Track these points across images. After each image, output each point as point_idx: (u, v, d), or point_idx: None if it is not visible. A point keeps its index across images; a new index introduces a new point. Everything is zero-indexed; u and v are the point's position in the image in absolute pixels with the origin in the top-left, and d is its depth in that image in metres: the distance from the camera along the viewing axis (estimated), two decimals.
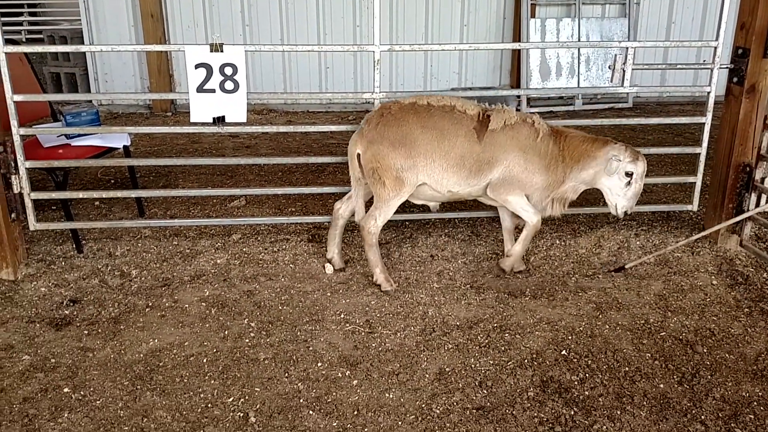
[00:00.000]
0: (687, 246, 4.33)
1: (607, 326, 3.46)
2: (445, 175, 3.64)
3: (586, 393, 2.92)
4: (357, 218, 3.85)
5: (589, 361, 3.15)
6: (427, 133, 3.56)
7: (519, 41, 8.45)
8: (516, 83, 8.81)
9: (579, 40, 8.55)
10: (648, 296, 3.77)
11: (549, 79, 8.61)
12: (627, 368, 3.10)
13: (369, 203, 3.80)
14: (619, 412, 2.80)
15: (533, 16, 8.51)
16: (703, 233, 4.18)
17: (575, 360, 3.16)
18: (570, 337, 3.35)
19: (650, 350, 3.25)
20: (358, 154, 3.65)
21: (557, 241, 4.42)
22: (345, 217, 4.01)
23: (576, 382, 2.99)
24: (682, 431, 2.71)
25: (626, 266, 4.04)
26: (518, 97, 8.70)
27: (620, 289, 3.84)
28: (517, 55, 8.73)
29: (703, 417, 2.78)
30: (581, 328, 3.43)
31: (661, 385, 2.98)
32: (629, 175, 3.55)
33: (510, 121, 3.62)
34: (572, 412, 2.80)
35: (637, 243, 4.38)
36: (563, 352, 3.22)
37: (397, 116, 3.61)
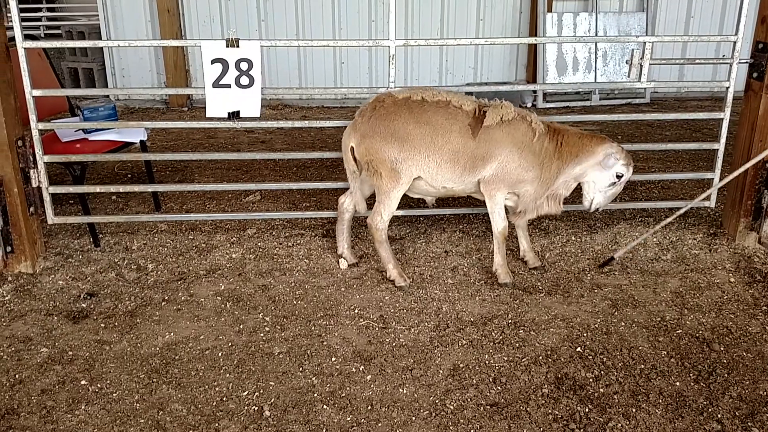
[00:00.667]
0: (704, 243, 4.29)
1: (623, 323, 3.44)
2: (439, 170, 3.62)
3: (601, 390, 2.91)
4: (359, 211, 3.93)
5: (605, 359, 3.13)
6: (420, 129, 3.55)
7: (535, 36, 8.39)
8: (532, 78, 8.76)
9: (596, 35, 8.48)
10: (664, 293, 3.74)
11: (565, 74, 8.56)
12: (643, 366, 3.08)
13: (372, 199, 3.79)
14: (634, 410, 2.79)
15: (550, 10, 8.45)
16: (676, 214, 4.10)
17: (590, 357, 3.14)
18: (585, 334, 3.33)
19: (666, 348, 3.23)
20: (352, 148, 3.67)
21: (573, 238, 4.40)
22: (350, 211, 4.02)
23: (591, 380, 2.98)
24: (698, 430, 2.69)
25: (615, 256, 4.00)
26: (534, 92, 8.66)
27: (636, 286, 3.81)
28: (533, 49, 8.68)
29: (719, 415, 2.76)
30: (597, 325, 3.41)
31: (677, 383, 2.96)
32: (619, 176, 3.59)
33: (507, 117, 3.58)
34: (587, 410, 2.78)
35: (654, 240, 4.34)
36: (578, 349, 3.21)
37: (390, 110, 3.59)
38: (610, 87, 7.35)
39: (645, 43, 4.13)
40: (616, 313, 3.53)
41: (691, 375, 3.02)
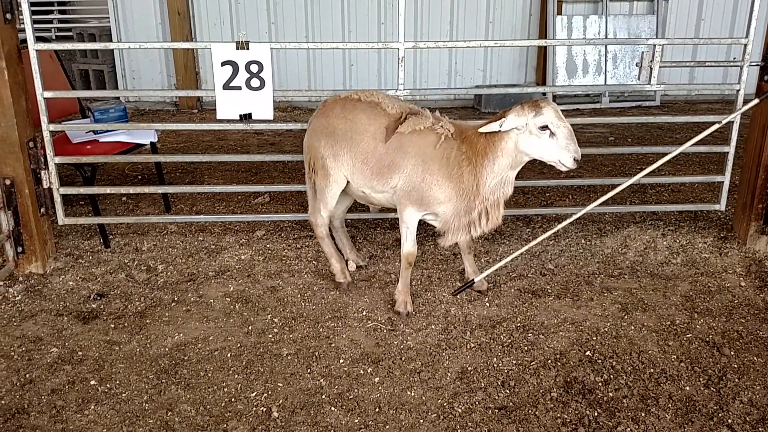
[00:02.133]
0: (715, 247, 4.26)
1: (633, 327, 3.42)
2: (353, 171, 3.50)
3: (611, 394, 2.89)
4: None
5: (614, 363, 3.12)
6: (344, 125, 3.48)
7: (545, 38, 8.38)
8: (542, 80, 8.75)
9: (606, 38, 8.45)
10: (674, 297, 3.72)
11: (575, 76, 8.54)
12: (652, 370, 3.07)
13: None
14: (643, 414, 2.77)
15: (560, 12, 8.44)
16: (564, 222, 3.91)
17: (600, 361, 3.13)
18: (594, 338, 3.32)
19: (676, 352, 3.21)
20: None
21: (582, 241, 4.38)
22: (338, 217, 3.99)
23: (600, 384, 2.97)
24: None
25: (475, 280, 3.68)
26: (544, 94, 8.63)
27: (646, 290, 3.80)
28: (543, 52, 8.66)
29: (729, 420, 2.74)
30: (606, 329, 3.40)
31: (687, 388, 2.94)
32: (544, 128, 3.04)
33: (419, 126, 3.30)
34: (596, 414, 2.77)
35: (664, 243, 4.32)
36: (587, 352, 3.20)
37: (328, 107, 3.60)
38: (620, 89, 7.35)
39: (655, 45, 4.11)
40: (625, 317, 3.52)
41: (701, 379, 3.00)
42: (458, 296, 3.71)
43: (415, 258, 3.51)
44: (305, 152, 3.70)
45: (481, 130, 3.16)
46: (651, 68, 4.05)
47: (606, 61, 8.50)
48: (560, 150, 3.06)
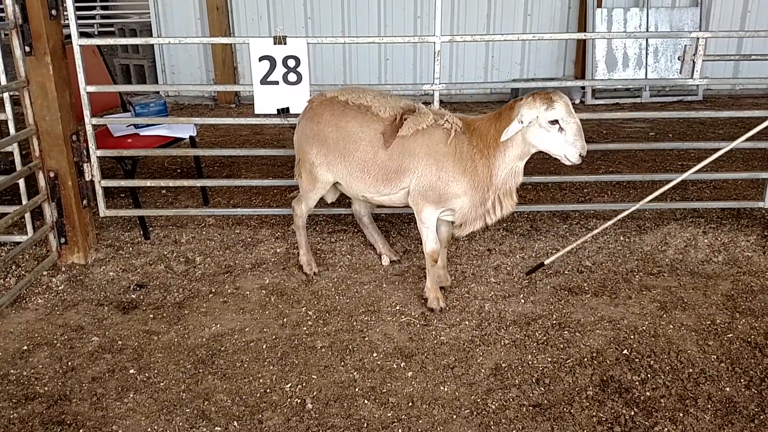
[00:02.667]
0: (758, 245, 4.15)
1: (672, 326, 3.36)
2: (350, 179, 3.48)
3: (648, 394, 2.85)
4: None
5: (652, 362, 3.06)
6: (336, 133, 3.44)
7: (584, 31, 8.25)
8: (581, 74, 8.62)
9: (647, 31, 8.29)
10: (715, 296, 3.64)
11: (615, 70, 8.39)
12: (691, 370, 3.00)
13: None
14: (681, 415, 2.72)
15: (600, 5, 8.30)
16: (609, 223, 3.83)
17: (637, 360, 3.08)
18: (632, 337, 3.26)
19: (716, 352, 3.14)
20: None
21: (621, 238, 4.32)
22: (365, 213, 4.01)
23: (637, 383, 2.92)
24: None
25: (545, 262, 3.73)
26: (583, 88, 8.52)
27: (686, 289, 3.72)
28: (582, 45, 8.53)
29: None
30: (644, 328, 3.34)
31: (727, 389, 2.88)
32: (554, 122, 2.99)
33: (422, 126, 3.26)
34: (632, 413, 2.73)
35: (705, 241, 4.22)
36: (625, 351, 3.15)
37: (316, 111, 3.54)
38: (662, 84, 7.19)
39: (698, 38, 4.02)
40: (664, 316, 3.45)
41: (742, 381, 2.93)
42: (492, 292, 3.69)
43: (438, 255, 3.50)
44: (296, 152, 3.71)
45: (504, 135, 3.09)
46: (694, 62, 3.95)
47: (647, 54, 8.34)
48: (567, 145, 3.02)
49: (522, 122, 3.03)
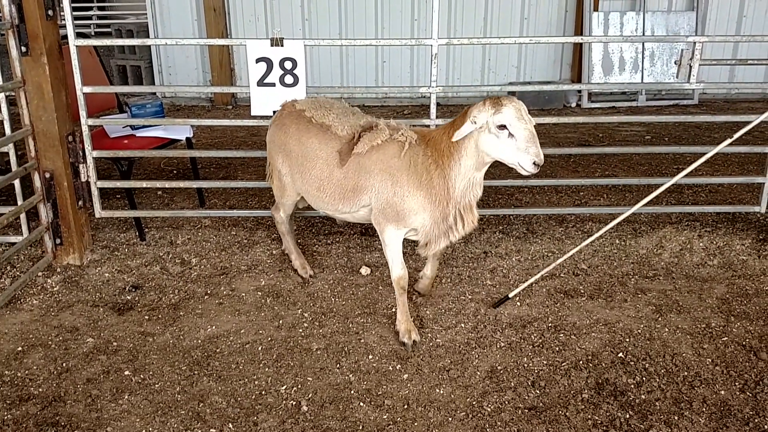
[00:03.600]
0: (753, 249, 4.17)
1: (667, 329, 3.36)
2: (309, 196, 3.49)
3: (643, 397, 2.85)
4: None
5: (647, 365, 3.07)
6: (299, 148, 3.42)
7: (581, 35, 8.27)
8: (577, 78, 8.64)
9: (643, 34, 8.31)
10: (710, 300, 3.65)
11: (611, 73, 8.42)
12: (686, 373, 3.01)
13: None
14: (676, 418, 2.72)
15: (596, 9, 8.33)
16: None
17: (632, 363, 3.08)
18: (627, 340, 3.27)
19: (711, 355, 3.14)
20: None
21: (617, 241, 4.32)
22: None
23: (632, 386, 2.92)
24: None
25: (510, 296, 3.60)
26: (579, 91, 8.54)
27: (681, 292, 3.73)
28: (578, 49, 8.56)
29: (766, 426, 2.67)
30: (639, 331, 3.35)
31: (722, 392, 2.88)
32: (502, 127, 2.82)
33: (376, 142, 3.15)
34: (627, 416, 2.73)
35: (701, 244, 4.23)
36: (620, 354, 3.15)
37: (285, 121, 3.54)
38: (658, 88, 7.21)
39: (694, 42, 4.03)
40: (659, 319, 3.46)
41: (736, 384, 2.94)
42: (488, 295, 3.69)
43: (407, 282, 3.29)
44: (268, 155, 3.73)
45: (456, 135, 2.94)
46: (690, 66, 3.97)
47: (643, 58, 8.36)
48: (519, 152, 2.82)
49: (475, 123, 2.88)
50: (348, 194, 3.28)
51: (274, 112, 3.89)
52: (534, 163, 2.81)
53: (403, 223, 3.16)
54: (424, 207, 3.10)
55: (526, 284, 3.66)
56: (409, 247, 4.26)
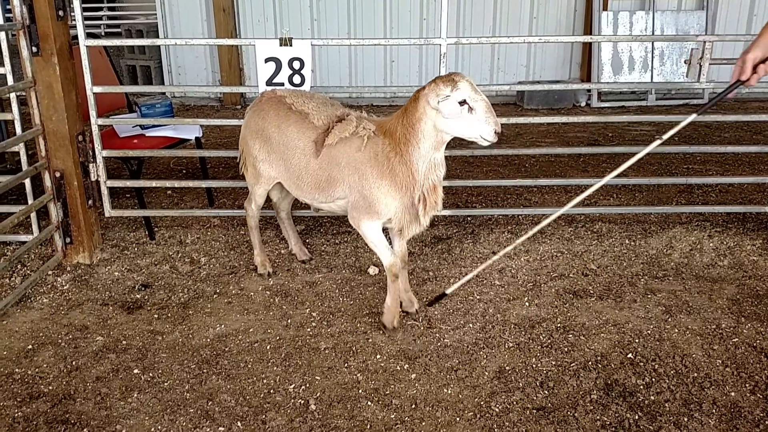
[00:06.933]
0: (764, 249, 4.14)
1: (677, 330, 3.34)
2: (290, 184, 3.50)
3: (652, 398, 2.84)
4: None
5: (656, 366, 3.05)
6: (278, 136, 3.44)
7: (590, 34, 8.24)
8: (586, 77, 8.61)
9: (653, 34, 8.27)
10: (720, 300, 3.62)
11: (621, 73, 8.38)
12: (696, 374, 2.99)
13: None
14: (686, 419, 2.71)
15: (606, 8, 8.29)
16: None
17: (641, 364, 3.07)
18: (637, 340, 3.25)
19: (721, 357, 3.13)
20: None
21: (626, 241, 4.30)
22: (284, 209, 4.01)
23: (642, 387, 2.91)
24: None
25: (447, 292, 3.55)
26: (588, 91, 8.51)
27: (691, 293, 3.71)
28: (588, 48, 8.53)
29: None
30: (649, 332, 3.33)
31: (732, 394, 2.87)
32: (463, 102, 2.88)
33: (344, 134, 3.21)
34: (636, 417, 2.72)
35: (711, 245, 4.21)
36: (629, 355, 3.14)
37: (263, 107, 3.53)
38: (667, 87, 7.17)
39: (704, 42, 4.01)
40: (669, 320, 3.44)
41: (747, 386, 2.92)
42: (497, 295, 3.68)
43: (399, 268, 3.31)
44: (240, 143, 3.70)
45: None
46: (700, 65, 3.95)
47: (653, 57, 8.32)
48: (480, 123, 2.89)
49: (436, 104, 2.91)
50: (323, 185, 3.33)
51: None
52: (495, 132, 2.90)
53: (376, 215, 3.19)
54: (393, 195, 3.13)
55: (462, 281, 3.58)
56: (415, 247, 4.25)
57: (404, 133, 3.04)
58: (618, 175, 3.44)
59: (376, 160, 3.12)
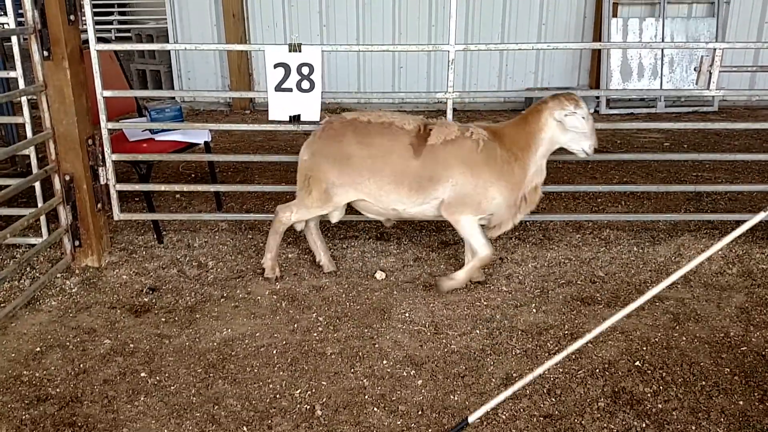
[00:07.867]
0: None
1: (685, 338, 3.33)
2: (382, 192, 3.54)
3: (660, 406, 2.82)
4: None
5: (664, 374, 3.04)
6: (362, 150, 3.50)
7: (600, 41, 8.23)
8: (595, 84, 8.59)
9: (663, 41, 8.25)
10: (729, 309, 3.60)
11: (630, 80, 8.36)
12: (704, 382, 2.98)
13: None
14: (693, 428, 2.69)
15: (615, 15, 8.28)
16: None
17: (649, 372, 3.05)
18: (645, 348, 3.24)
19: (730, 365, 3.11)
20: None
21: (635, 248, 4.29)
22: (313, 219, 3.95)
23: (649, 395, 2.89)
24: None
25: (469, 420, 2.69)
26: (597, 98, 8.49)
27: (700, 301, 3.69)
28: (597, 55, 8.51)
29: None
30: (657, 339, 3.31)
31: (741, 402, 2.85)
32: (582, 118, 3.41)
33: (450, 137, 3.46)
34: (644, 425, 2.70)
35: (719, 253, 4.19)
36: (637, 363, 3.12)
37: (338, 131, 3.58)
38: (677, 94, 7.14)
39: (714, 49, 4.00)
40: (677, 328, 3.42)
41: (755, 394, 2.90)
42: (504, 302, 3.68)
43: (491, 261, 3.71)
44: (305, 168, 3.67)
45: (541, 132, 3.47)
46: (710, 73, 3.93)
47: (662, 64, 8.30)
48: (584, 139, 3.44)
49: (562, 119, 3.37)
50: (425, 184, 3.49)
51: (291, 117, 3.91)
52: (594, 147, 3.47)
53: (480, 211, 3.52)
54: (504, 194, 3.50)
55: (487, 407, 2.65)
56: (431, 248, 4.25)
57: (527, 140, 3.47)
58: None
59: (494, 161, 3.46)
